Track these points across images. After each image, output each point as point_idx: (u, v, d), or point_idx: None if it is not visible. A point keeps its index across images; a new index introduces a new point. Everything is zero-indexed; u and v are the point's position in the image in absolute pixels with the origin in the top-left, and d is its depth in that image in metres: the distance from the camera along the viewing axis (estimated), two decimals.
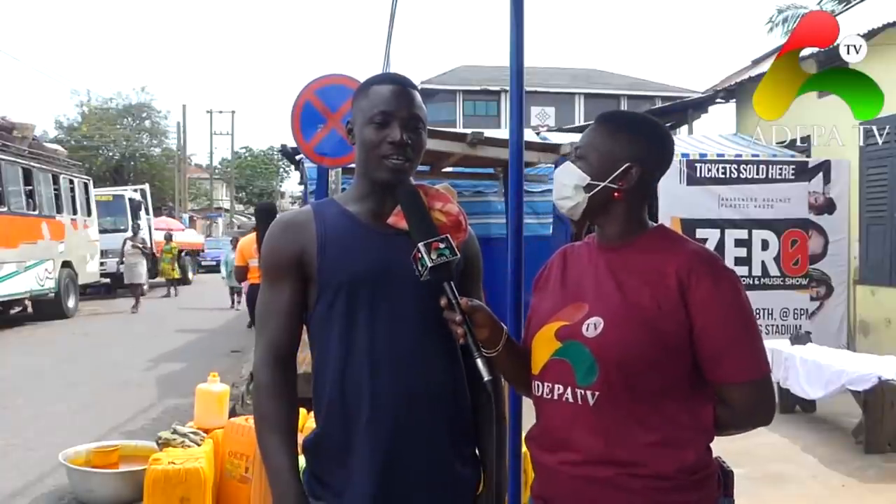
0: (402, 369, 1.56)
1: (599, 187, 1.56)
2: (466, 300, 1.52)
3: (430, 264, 1.48)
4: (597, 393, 1.49)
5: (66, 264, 14.72)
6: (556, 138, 9.51)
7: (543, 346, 1.58)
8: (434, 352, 1.59)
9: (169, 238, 20.23)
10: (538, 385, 1.60)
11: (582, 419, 1.50)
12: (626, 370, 1.47)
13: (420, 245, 1.50)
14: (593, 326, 1.51)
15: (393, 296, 1.57)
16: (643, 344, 1.47)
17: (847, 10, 12.61)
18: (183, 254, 24.51)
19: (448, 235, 1.54)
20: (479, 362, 1.48)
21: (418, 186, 1.67)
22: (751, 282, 8.01)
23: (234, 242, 13.81)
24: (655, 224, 1.64)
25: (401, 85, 1.64)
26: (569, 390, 1.52)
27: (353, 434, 1.55)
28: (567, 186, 1.60)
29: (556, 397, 1.55)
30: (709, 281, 1.49)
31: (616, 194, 1.56)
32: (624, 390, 1.48)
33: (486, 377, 1.48)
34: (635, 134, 1.59)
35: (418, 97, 1.65)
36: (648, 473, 1.46)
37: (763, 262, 8.21)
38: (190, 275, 25.00)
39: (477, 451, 1.70)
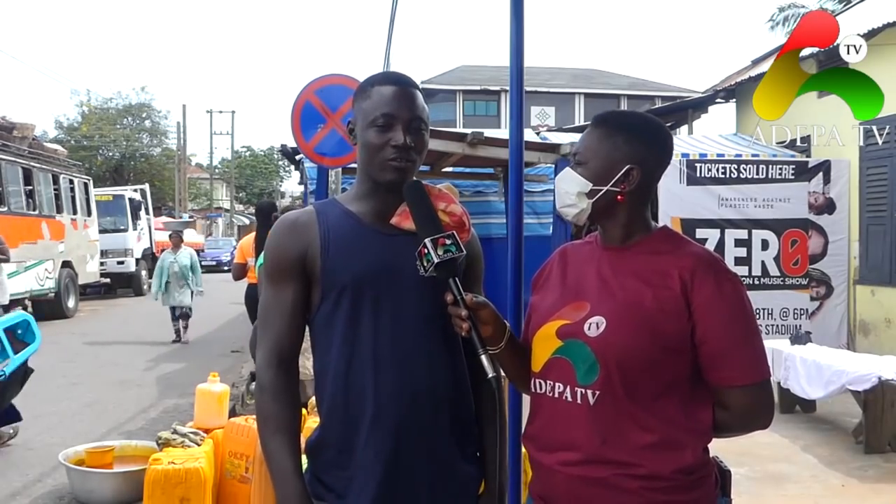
0: (405, 369, 1.55)
1: (602, 192, 1.56)
2: (471, 296, 1.52)
3: (436, 260, 1.47)
4: (597, 392, 1.49)
5: (66, 264, 14.72)
6: (556, 138, 9.49)
7: (544, 345, 1.58)
8: (438, 351, 1.59)
9: None
10: (538, 383, 1.59)
11: (581, 418, 1.50)
12: (627, 370, 1.47)
13: (427, 241, 1.49)
14: (595, 325, 1.50)
15: (397, 296, 1.57)
16: (645, 344, 1.47)
17: (847, 10, 12.61)
18: None
19: (454, 232, 1.53)
20: (483, 359, 1.48)
21: None
22: (751, 282, 8.01)
23: (174, 237, 11.45)
24: (659, 225, 1.64)
25: (403, 86, 1.61)
26: (568, 389, 1.52)
27: (357, 434, 1.55)
28: (570, 194, 1.59)
29: (555, 396, 1.54)
30: (712, 283, 1.48)
31: (619, 197, 1.56)
32: (624, 390, 1.47)
33: (490, 374, 1.48)
34: (633, 134, 1.57)
35: (420, 97, 1.62)
36: (645, 474, 1.46)
37: (763, 262, 8.22)
38: None
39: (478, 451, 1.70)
